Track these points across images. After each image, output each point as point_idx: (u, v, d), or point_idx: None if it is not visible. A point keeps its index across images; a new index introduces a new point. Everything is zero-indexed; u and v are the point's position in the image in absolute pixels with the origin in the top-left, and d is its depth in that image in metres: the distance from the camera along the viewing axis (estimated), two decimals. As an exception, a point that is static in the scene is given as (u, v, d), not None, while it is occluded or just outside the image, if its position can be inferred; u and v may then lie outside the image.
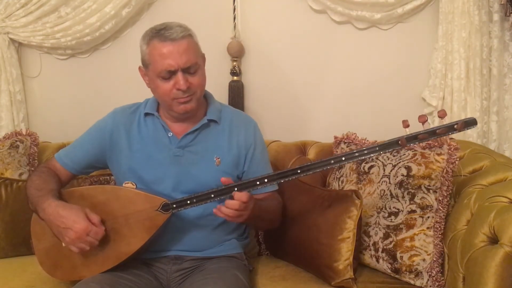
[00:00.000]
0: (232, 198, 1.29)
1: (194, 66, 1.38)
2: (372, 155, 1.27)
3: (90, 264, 1.37)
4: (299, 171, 1.30)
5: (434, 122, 1.94)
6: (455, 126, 1.21)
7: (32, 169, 1.88)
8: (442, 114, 1.24)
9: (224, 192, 1.30)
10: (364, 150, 1.27)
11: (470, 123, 1.21)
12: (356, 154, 1.27)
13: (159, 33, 1.36)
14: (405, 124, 1.25)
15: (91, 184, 1.80)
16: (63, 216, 1.30)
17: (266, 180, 1.30)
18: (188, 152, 1.46)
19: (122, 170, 1.48)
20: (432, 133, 1.22)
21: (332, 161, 1.29)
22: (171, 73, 1.36)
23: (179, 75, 1.35)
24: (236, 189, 1.29)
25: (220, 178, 1.42)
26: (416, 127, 1.26)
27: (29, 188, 1.42)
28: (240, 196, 1.27)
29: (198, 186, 1.38)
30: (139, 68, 1.46)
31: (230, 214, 1.28)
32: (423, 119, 1.24)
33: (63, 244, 1.34)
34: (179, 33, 1.35)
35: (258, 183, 1.31)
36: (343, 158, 1.28)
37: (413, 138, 1.24)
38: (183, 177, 1.44)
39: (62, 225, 1.30)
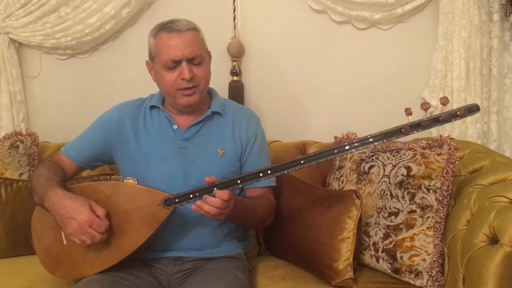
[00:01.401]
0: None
1: (198, 58, 1.41)
2: (375, 143, 1.25)
3: (92, 261, 1.36)
4: (302, 162, 1.27)
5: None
6: (458, 113, 1.19)
7: (32, 169, 1.88)
8: (444, 101, 1.21)
9: (227, 185, 1.29)
10: (368, 138, 1.25)
11: (472, 109, 1.20)
12: (358, 143, 1.25)
13: (165, 26, 1.42)
14: (408, 112, 1.23)
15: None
16: (68, 206, 1.30)
17: (269, 172, 1.29)
18: (192, 144, 1.47)
19: (128, 162, 1.49)
20: (435, 120, 1.20)
21: (336, 151, 1.27)
22: (176, 63, 1.40)
23: (184, 65, 1.39)
24: (239, 181, 1.29)
25: (224, 168, 1.44)
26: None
27: (37, 178, 1.42)
28: (221, 194, 1.26)
29: (202, 178, 1.39)
30: (146, 62, 1.49)
31: (212, 212, 1.27)
32: (425, 106, 1.22)
33: (64, 241, 1.34)
34: (185, 25, 1.41)
35: (261, 175, 1.29)
36: (347, 147, 1.26)
37: (416, 125, 1.22)
38: (188, 169, 1.44)
39: (66, 214, 1.30)
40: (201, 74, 1.43)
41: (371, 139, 1.25)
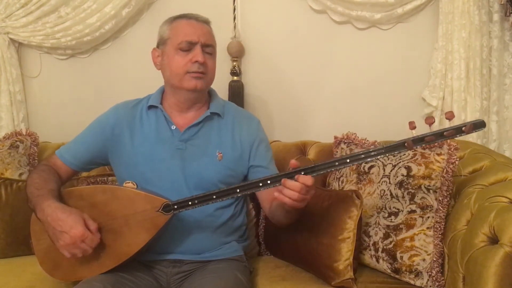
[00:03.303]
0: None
1: (211, 48, 1.47)
2: (377, 157, 1.23)
3: (90, 264, 1.36)
4: (302, 173, 1.23)
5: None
6: (463, 129, 1.17)
7: (32, 169, 1.88)
8: (449, 116, 1.19)
9: (226, 194, 1.27)
10: (370, 152, 1.22)
11: (478, 125, 1.18)
12: (362, 156, 1.23)
13: (184, 14, 1.49)
14: (412, 126, 1.21)
15: (89, 185, 1.78)
16: (61, 219, 1.27)
17: (269, 182, 1.25)
18: (191, 146, 1.46)
19: (124, 165, 1.48)
20: (440, 135, 1.18)
21: (337, 163, 1.24)
22: (191, 46, 1.43)
23: (198, 48, 1.43)
24: (238, 190, 1.26)
25: (222, 172, 1.43)
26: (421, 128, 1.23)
27: (29, 187, 1.40)
28: (305, 179, 1.20)
29: (199, 180, 1.38)
30: (153, 50, 1.51)
31: (293, 197, 1.21)
32: (430, 121, 1.19)
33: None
34: (203, 18, 1.49)
35: (266, 183, 1.25)
36: (348, 160, 1.23)
37: (420, 140, 1.19)
38: (186, 171, 1.43)
39: (58, 228, 1.27)
40: (211, 65, 1.47)
41: (373, 153, 1.22)
